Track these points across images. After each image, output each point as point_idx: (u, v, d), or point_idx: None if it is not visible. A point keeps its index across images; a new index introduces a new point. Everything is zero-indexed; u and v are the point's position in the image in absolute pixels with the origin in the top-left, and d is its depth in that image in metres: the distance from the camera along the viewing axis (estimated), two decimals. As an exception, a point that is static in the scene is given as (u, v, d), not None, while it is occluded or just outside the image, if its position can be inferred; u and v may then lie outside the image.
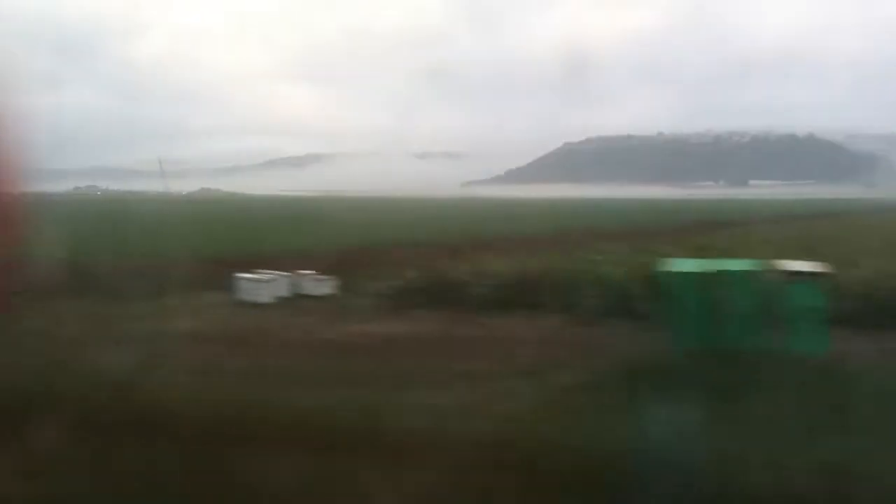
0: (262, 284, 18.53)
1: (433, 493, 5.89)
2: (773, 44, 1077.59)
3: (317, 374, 10.91)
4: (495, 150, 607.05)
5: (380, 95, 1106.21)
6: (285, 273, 19.30)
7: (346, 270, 20.31)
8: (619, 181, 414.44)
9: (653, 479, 5.65)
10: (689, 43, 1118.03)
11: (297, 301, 18.46)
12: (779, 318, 11.73)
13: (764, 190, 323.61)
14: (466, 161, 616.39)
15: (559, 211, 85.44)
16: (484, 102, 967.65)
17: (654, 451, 6.23)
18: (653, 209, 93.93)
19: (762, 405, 8.79)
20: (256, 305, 17.82)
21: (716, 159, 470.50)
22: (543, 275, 17.01)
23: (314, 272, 19.60)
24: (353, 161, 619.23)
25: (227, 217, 64.05)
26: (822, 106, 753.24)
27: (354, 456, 6.61)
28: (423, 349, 12.96)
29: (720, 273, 12.20)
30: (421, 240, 32.87)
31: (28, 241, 10.87)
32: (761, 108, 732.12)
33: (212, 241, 30.22)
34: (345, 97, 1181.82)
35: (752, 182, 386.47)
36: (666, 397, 7.98)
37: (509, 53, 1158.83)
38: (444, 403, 9.06)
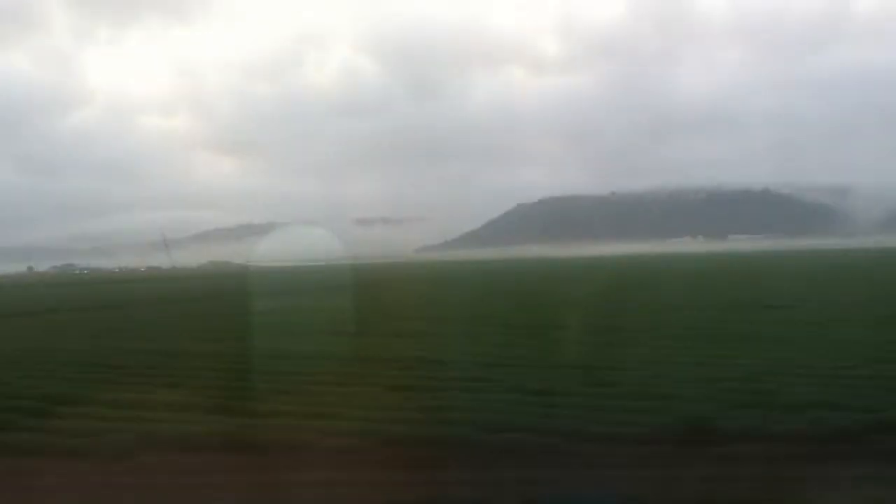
0: None
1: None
2: (698, 102, 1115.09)
3: None
4: (442, 215, 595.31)
5: (313, 164, 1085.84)
6: None
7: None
8: (579, 240, 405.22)
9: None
10: (617, 104, 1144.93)
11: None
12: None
13: (745, 244, 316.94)
14: (411, 226, 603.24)
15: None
16: (426, 168, 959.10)
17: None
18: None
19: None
20: None
21: (675, 215, 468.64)
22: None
23: None
24: (290, 230, 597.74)
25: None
26: (750, 161, 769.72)
27: None
28: None
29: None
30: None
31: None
32: (697, 165, 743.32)
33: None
34: (275, 167, 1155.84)
35: (731, 236, 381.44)
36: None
37: (448, 120, 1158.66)
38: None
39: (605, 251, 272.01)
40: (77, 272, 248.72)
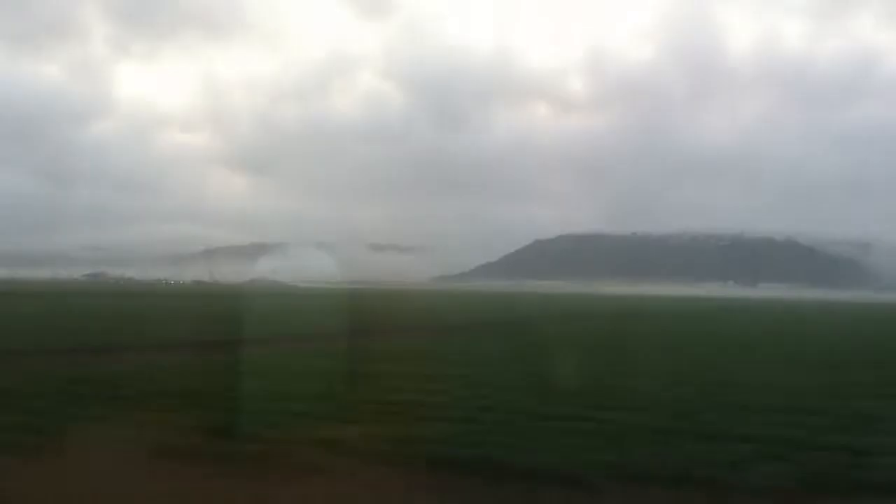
0: None
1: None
2: (720, 149, 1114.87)
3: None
4: (455, 246, 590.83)
5: (329, 187, 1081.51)
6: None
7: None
8: (597, 278, 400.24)
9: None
10: (640, 146, 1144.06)
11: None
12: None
13: (777, 292, 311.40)
14: (422, 254, 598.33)
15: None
16: (443, 198, 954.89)
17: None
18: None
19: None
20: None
21: (697, 260, 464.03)
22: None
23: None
24: (303, 251, 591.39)
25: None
26: (771, 210, 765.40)
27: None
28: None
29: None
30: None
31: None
32: (719, 211, 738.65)
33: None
34: (291, 188, 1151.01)
35: (761, 284, 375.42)
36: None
37: (469, 152, 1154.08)
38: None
39: (630, 291, 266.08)
40: (114, 282, 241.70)
